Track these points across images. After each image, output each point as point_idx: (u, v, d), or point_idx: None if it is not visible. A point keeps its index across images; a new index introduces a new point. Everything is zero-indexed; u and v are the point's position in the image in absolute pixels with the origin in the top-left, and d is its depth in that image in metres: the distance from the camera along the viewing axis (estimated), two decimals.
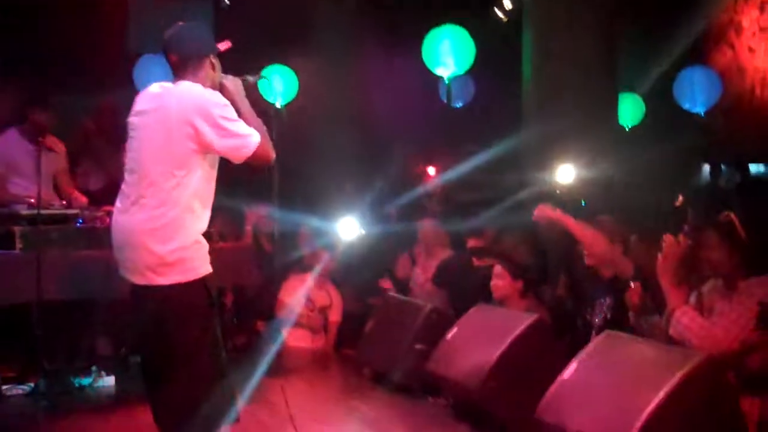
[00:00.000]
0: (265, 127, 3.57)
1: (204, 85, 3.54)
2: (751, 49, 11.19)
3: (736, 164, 11.37)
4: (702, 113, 10.39)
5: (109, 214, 5.62)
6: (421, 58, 9.52)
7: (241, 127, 3.46)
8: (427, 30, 9.52)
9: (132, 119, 3.58)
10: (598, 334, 4.61)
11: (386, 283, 6.82)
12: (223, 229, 6.87)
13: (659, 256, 4.11)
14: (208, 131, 3.39)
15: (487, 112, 11.81)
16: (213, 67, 3.62)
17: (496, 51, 10.65)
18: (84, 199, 6.52)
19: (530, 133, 8.62)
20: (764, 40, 10.98)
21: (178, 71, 3.58)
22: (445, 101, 10.54)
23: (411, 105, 11.16)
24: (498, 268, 5.61)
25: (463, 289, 5.92)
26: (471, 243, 6.54)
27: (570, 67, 8.37)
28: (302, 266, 7.44)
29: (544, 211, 5.08)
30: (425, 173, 11.77)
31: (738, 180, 11.44)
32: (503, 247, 6.42)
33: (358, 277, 7.59)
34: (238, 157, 3.48)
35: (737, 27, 11.44)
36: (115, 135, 7.84)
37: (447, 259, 6.57)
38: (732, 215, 4.16)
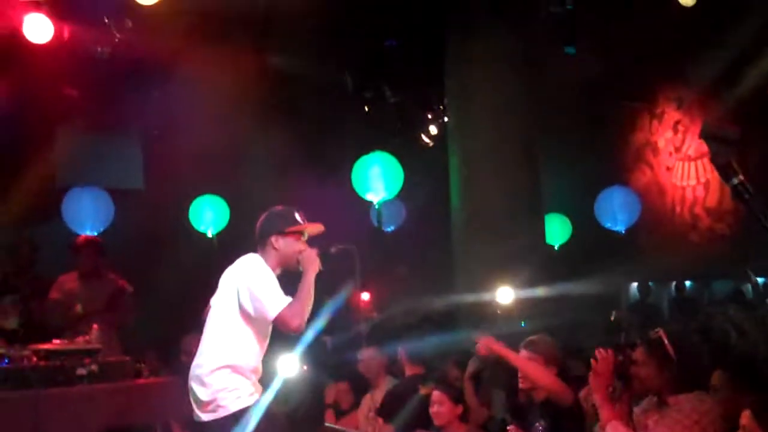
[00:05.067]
0: (309, 305, 4.20)
1: (272, 257, 4.34)
2: (668, 168, 11.60)
3: (667, 282, 11.63)
4: (622, 231, 10.67)
5: (36, 352, 5.47)
6: (352, 184, 9.63)
7: (270, 296, 4.13)
8: (356, 156, 9.66)
9: None
10: None
11: (330, 418, 6.62)
12: (157, 363, 6.65)
13: (591, 372, 4.12)
14: (243, 293, 4.16)
15: (418, 235, 11.91)
16: (274, 245, 4.36)
17: (425, 175, 10.84)
18: None
19: (460, 255, 8.72)
20: (680, 159, 11.41)
21: (255, 245, 4.40)
22: (377, 225, 10.64)
23: (343, 230, 11.17)
24: (437, 394, 5.52)
25: (408, 418, 5.81)
26: (409, 371, 6.43)
27: (494, 191, 8.54)
28: None
29: (488, 344, 5.05)
30: (359, 299, 11.67)
31: (672, 297, 11.70)
32: (442, 373, 6.35)
33: (294, 413, 7.38)
34: (263, 319, 4.16)
35: (654, 147, 11.88)
36: (33, 272, 7.65)
37: (392, 389, 6.42)
38: (661, 332, 4.19)
